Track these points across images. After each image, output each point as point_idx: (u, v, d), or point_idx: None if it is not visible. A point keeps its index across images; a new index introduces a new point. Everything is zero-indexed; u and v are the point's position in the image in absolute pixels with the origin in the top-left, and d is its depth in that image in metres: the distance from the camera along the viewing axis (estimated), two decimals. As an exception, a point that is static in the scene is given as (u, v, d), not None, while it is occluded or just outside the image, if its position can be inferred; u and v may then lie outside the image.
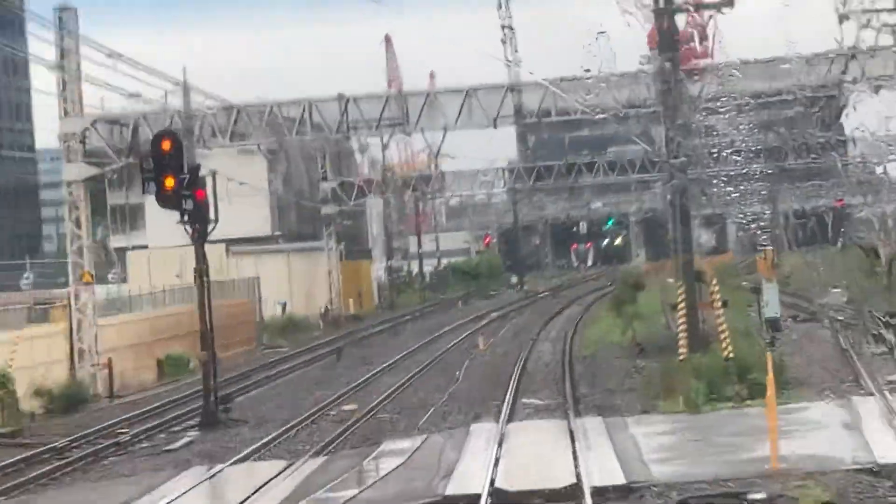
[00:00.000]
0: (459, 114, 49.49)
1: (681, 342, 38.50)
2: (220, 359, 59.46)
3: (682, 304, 38.89)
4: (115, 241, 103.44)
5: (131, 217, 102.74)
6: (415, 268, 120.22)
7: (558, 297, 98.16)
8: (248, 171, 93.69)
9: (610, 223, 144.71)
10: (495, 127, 50.78)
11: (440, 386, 44.12)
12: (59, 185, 62.80)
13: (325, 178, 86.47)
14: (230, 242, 79.10)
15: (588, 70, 42.70)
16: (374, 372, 50.33)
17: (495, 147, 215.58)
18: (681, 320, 38.98)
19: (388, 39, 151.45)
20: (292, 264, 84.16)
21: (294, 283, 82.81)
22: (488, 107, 49.99)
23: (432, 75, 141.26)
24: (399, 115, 48.90)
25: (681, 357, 37.72)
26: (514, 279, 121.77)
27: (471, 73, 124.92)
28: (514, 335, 65.11)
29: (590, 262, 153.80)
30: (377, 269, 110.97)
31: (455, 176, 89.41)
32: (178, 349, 57.59)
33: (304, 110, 49.81)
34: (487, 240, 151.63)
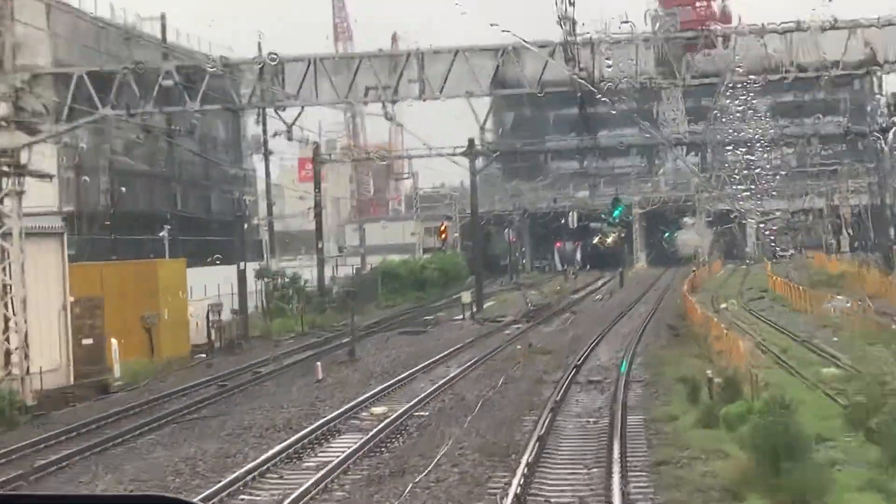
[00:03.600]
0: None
1: None
2: None
3: None
4: None
5: None
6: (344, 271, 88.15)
7: (538, 353, 50.30)
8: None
9: (618, 212, 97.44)
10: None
11: None
12: None
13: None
14: None
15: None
16: None
17: (463, 123, 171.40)
18: None
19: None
20: None
21: None
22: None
23: (395, 38, 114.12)
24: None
25: None
26: (468, 298, 73.24)
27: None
28: None
29: (577, 265, 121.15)
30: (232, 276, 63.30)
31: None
32: None
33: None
34: (444, 231, 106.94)
